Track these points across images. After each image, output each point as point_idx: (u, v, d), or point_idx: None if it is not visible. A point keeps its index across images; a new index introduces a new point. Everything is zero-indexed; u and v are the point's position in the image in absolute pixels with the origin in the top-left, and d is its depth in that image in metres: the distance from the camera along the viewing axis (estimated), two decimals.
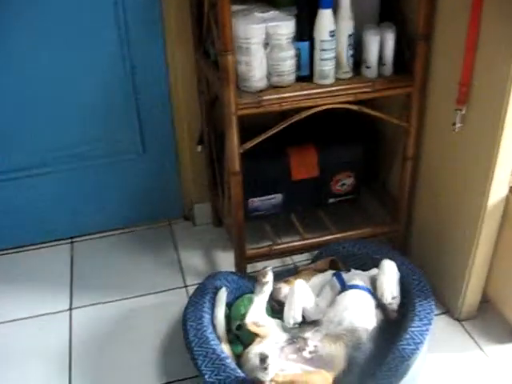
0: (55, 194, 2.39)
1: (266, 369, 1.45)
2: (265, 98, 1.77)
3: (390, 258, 1.89)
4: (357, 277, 1.80)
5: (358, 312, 1.68)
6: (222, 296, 1.84)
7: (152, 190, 2.50)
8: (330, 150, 2.15)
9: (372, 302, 1.72)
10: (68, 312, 2.13)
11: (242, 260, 2.07)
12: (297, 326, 1.71)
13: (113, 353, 1.94)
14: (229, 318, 1.87)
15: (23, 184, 2.32)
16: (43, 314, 2.13)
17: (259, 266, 2.21)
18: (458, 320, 1.98)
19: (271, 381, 1.48)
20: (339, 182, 2.22)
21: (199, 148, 2.33)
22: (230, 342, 1.78)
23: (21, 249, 2.45)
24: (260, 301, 1.73)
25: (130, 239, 2.51)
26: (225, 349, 1.71)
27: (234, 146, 1.83)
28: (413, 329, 1.64)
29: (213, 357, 1.61)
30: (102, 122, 2.28)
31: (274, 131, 1.84)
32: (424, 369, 1.74)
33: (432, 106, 1.93)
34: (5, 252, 2.44)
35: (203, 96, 2.19)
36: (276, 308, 1.84)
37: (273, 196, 2.18)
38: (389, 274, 1.77)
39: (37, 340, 2.01)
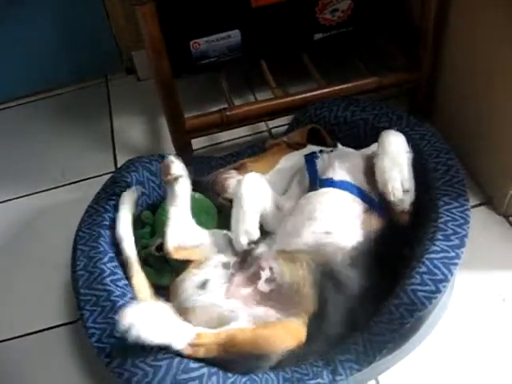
0: None
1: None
2: None
3: (405, 128, 1.19)
4: (340, 161, 1.13)
5: (328, 223, 1.04)
6: (127, 198, 1.19)
7: (73, 36, 1.87)
8: None
9: (355, 208, 1.06)
10: None
11: (180, 134, 1.41)
12: (253, 245, 1.09)
13: (10, 276, 1.40)
14: (153, 229, 1.24)
15: None
16: None
17: (216, 138, 1.56)
18: (505, 215, 1.32)
19: (194, 345, 0.90)
20: (328, 6, 1.44)
21: None
22: (151, 266, 1.17)
23: None
24: (178, 211, 1.09)
25: (53, 106, 1.92)
26: (137, 282, 1.11)
27: None
28: (432, 256, 0.97)
29: (106, 306, 1.01)
30: None
31: None
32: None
33: None
34: None
35: None
36: (226, 205, 1.19)
37: (226, 34, 1.44)
38: (395, 153, 1.07)
39: None
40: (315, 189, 1.09)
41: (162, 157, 1.33)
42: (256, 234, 1.08)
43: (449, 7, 1.35)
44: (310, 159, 1.16)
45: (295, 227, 1.05)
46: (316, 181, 1.11)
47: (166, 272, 1.17)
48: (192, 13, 1.37)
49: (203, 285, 1.03)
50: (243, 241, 1.07)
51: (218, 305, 0.98)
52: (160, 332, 0.87)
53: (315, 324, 0.97)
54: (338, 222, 1.03)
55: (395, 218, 1.06)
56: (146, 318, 0.86)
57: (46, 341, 1.23)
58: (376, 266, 1.01)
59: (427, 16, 1.37)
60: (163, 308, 0.90)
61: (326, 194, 1.08)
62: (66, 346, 1.20)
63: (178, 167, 1.08)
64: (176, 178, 1.07)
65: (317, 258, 1.00)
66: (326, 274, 0.99)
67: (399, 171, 1.05)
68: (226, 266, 1.07)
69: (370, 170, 1.10)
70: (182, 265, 1.10)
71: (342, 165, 1.12)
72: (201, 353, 0.90)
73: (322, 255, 1.00)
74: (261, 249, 1.06)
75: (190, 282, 1.04)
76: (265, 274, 1.01)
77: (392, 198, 1.04)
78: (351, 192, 1.07)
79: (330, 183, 1.09)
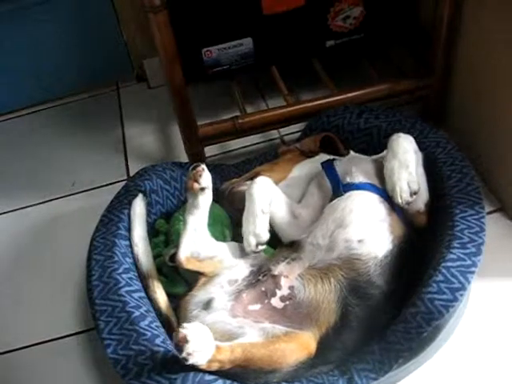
0: None
1: (185, 359, 0.84)
2: None
3: (418, 135, 1.19)
4: (356, 166, 1.12)
5: (360, 229, 1.02)
6: (137, 207, 1.18)
7: (84, 44, 1.87)
8: None
9: (382, 210, 1.05)
10: None
11: (193, 142, 1.41)
12: (262, 249, 1.08)
13: (23, 285, 1.39)
14: (167, 238, 1.24)
15: None
16: None
17: (229, 146, 1.56)
18: None
19: (211, 361, 0.87)
20: (340, 13, 1.44)
21: None
22: (167, 277, 1.17)
23: None
24: (196, 221, 1.07)
25: (64, 114, 1.92)
26: (154, 290, 1.11)
27: None
28: (448, 264, 0.97)
29: (121, 317, 1.01)
30: None
31: None
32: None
33: None
34: None
35: None
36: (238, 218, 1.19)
37: (239, 42, 1.45)
38: (402, 154, 1.07)
39: None
40: (340, 194, 1.08)
41: (178, 165, 1.33)
42: (265, 236, 1.07)
43: (461, 12, 1.33)
44: (329, 166, 1.15)
45: (326, 239, 1.03)
46: (339, 186, 1.09)
47: (178, 282, 1.17)
48: (204, 21, 1.38)
49: (207, 304, 1.02)
50: (252, 242, 1.06)
51: (226, 322, 0.97)
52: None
53: (334, 335, 0.96)
54: (369, 227, 1.02)
55: (412, 219, 1.06)
56: (201, 340, 0.85)
57: (60, 350, 1.22)
58: (398, 274, 1.00)
59: (439, 22, 1.36)
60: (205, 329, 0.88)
61: (353, 198, 1.06)
62: (81, 355, 1.20)
63: (207, 178, 1.05)
64: (202, 189, 1.05)
65: (350, 273, 0.98)
66: (354, 288, 0.98)
67: (406, 172, 1.05)
68: (232, 282, 1.05)
69: (382, 174, 1.09)
70: (194, 275, 1.09)
71: (358, 169, 1.11)
72: (215, 367, 0.89)
73: (355, 269, 0.99)
74: (280, 266, 1.04)
75: (193, 304, 1.03)
76: (281, 293, 1.01)
77: (399, 201, 1.04)
78: (375, 192, 1.06)
79: (354, 187, 1.08)
